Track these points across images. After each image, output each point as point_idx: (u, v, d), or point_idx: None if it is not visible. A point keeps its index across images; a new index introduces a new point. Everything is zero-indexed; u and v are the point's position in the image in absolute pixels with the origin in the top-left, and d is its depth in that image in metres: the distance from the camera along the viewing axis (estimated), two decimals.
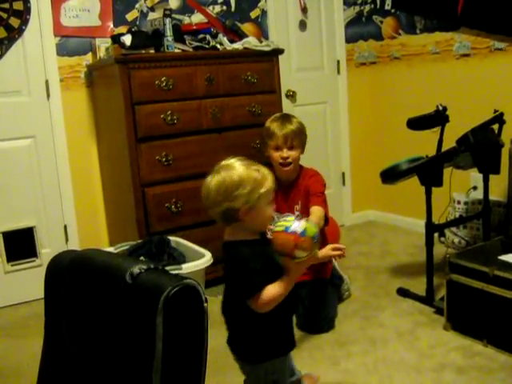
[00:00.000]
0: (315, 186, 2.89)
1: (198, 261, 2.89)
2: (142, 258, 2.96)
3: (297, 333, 2.93)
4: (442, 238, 3.98)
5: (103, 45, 3.51)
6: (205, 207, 1.87)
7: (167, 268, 2.50)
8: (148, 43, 3.34)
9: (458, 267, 2.74)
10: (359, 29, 4.70)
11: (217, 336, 2.86)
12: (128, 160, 3.25)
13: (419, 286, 3.22)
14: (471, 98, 3.87)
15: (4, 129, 3.50)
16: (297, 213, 1.90)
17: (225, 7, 4.06)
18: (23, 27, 3.45)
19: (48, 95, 3.59)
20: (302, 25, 4.49)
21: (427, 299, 3.10)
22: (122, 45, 3.25)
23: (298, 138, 2.87)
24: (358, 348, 2.73)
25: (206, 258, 2.92)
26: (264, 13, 4.26)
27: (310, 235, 1.73)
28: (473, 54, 3.91)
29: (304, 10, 4.44)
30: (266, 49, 3.63)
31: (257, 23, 4.23)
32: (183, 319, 1.12)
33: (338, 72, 4.70)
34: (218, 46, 3.56)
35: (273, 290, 1.77)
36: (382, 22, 4.54)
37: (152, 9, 3.79)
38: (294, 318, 3.00)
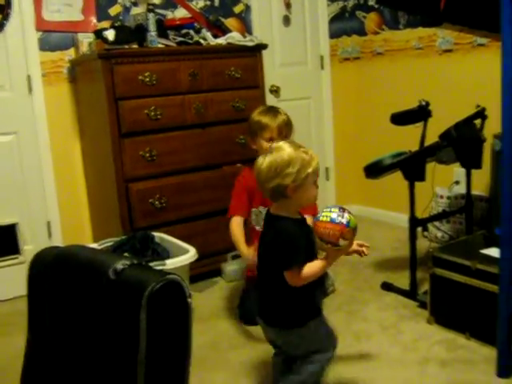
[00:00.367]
0: None
1: (182, 256, 2.89)
2: (125, 253, 2.95)
3: None
4: (426, 233, 4.01)
5: (86, 40, 3.48)
6: (257, 184, 2.07)
7: (151, 264, 2.51)
8: (131, 38, 3.32)
9: (441, 261, 2.76)
10: (343, 24, 4.71)
11: (202, 332, 2.90)
12: (111, 155, 3.23)
13: (403, 279, 3.24)
14: (454, 93, 3.90)
15: None
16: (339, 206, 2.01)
17: (208, 2, 4.05)
18: (4, 22, 3.41)
19: (30, 90, 3.55)
20: (286, 20, 4.49)
21: (411, 293, 3.12)
22: (105, 40, 3.22)
23: (289, 129, 2.94)
24: (342, 342, 2.72)
25: (191, 254, 2.92)
26: (248, 8, 4.25)
27: (353, 226, 1.93)
28: (455, 50, 3.93)
29: (288, 5, 4.44)
30: (250, 44, 3.63)
31: (240, 18, 4.23)
32: (167, 315, 1.12)
33: (322, 67, 4.71)
34: (202, 41, 3.55)
35: (311, 269, 1.98)
36: (365, 18, 4.55)
37: (135, 3, 3.77)
38: None
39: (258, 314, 2.19)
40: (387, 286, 3.28)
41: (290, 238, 1.99)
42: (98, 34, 3.30)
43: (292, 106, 4.43)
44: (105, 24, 3.59)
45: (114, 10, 3.72)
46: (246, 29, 4.21)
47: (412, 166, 3.05)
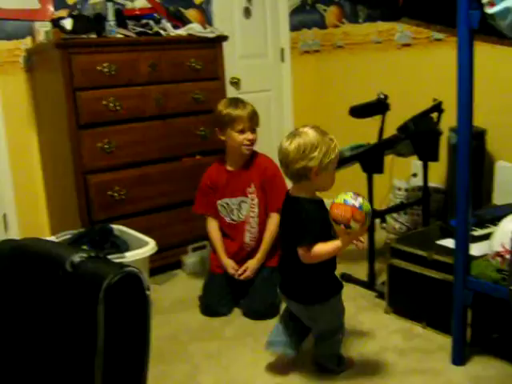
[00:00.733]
0: (278, 191, 2.92)
1: (141, 249, 2.87)
2: (84, 246, 2.92)
3: (243, 320, 2.95)
4: (384, 224, 4.07)
5: (43, 29, 3.40)
6: (280, 165, 2.22)
7: (110, 256, 2.48)
8: (89, 28, 3.26)
9: (398, 252, 2.81)
10: (303, 17, 4.73)
11: (162, 324, 2.89)
12: (69, 147, 3.18)
13: (361, 271, 3.28)
14: (412, 86, 3.96)
15: None
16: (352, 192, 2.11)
17: None
18: None
19: None
20: (247, 12, 4.48)
21: (369, 284, 3.17)
22: (63, 29, 3.16)
23: (258, 118, 3.04)
24: None
25: (150, 246, 2.91)
26: None
27: (365, 210, 2.04)
28: (413, 44, 3.99)
29: None
30: (210, 35, 3.61)
31: (201, 9, 4.20)
32: (125, 307, 1.11)
33: (282, 60, 4.73)
34: (162, 31, 3.51)
35: (322, 249, 2.12)
36: (325, 11, 4.58)
37: None
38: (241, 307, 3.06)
39: (280, 288, 2.37)
40: (346, 277, 3.32)
41: (306, 216, 2.13)
42: (56, 22, 3.23)
43: (252, 98, 4.41)
44: (62, 13, 3.52)
45: None
46: (207, 20, 4.18)
47: (370, 159, 3.09)
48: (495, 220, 2.65)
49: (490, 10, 2.02)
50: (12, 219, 3.66)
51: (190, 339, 2.77)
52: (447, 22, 3.42)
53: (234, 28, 4.37)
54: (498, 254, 2.25)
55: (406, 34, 3.99)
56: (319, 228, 2.14)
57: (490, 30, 2.10)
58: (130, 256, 2.79)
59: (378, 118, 3.14)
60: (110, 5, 3.30)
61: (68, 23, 3.17)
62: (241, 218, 3.08)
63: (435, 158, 3.23)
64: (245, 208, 3.07)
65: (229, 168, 3.10)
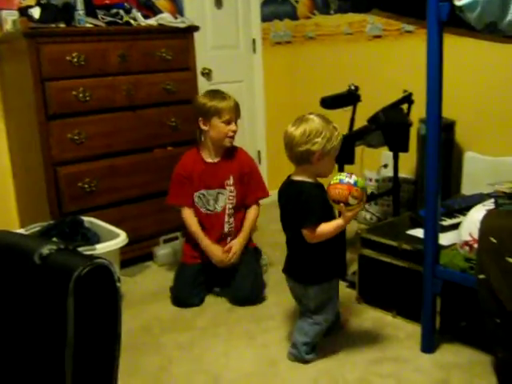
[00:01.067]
0: (257, 184, 3.17)
1: (112, 241, 2.85)
2: (54, 239, 2.88)
3: (215, 310, 2.96)
4: None
5: (10, 17, 3.33)
6: (285, 148, 2.32)
7: (80, 249, 2.46)
8: (58, 17, 3.21)
9: (368, 242, 2.84)
10: (275, 8, 4.72)
11: (134, 316, 2.88)
12: (38, 138, 3.13)
13: None
14: (382, 78, 3.99)
15: None
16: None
17: None
18: None
19: None
20: (218, 2, 4.45)
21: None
22: (30, 18, 3.10)
23: (239, 108, 3.08)
24: (274, 323, 2.79)
25: (121, 238, 2.90)
26: None
27: (360, 186, 2.17)
28: (384, 36, 4.02)
29: None
30: (181, 25, 3.58)
31: None
32: (95, 299, 1.10)
33: (254, 51, 4.72)
34: (132, 21, 3.47)
35: (326, 227, 2.24)
36: (297, 2, 4.57)
37: None
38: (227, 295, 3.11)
39: (283, 269, 2.50)
40: None
41: (308, 198, 2.24)
42: (23, 11, 3.18)
43: (224, 89, 4.41)
44: (30, 1, 3.43)
45: None
46: (178, 10, 4.15)
47: (341, 149, 3.09)
48: (463, 210, 2.69)
49: (458, 3, 2.04)
50: None
51: (162, 331, 2.77)
52: (417, 14, 3.45)
53: (205, 18, 4.34)
54: (466, 243, 2.29)
55: (377, 25, 4.02)
56: (322, 209, 2.25)
57: (459, 22, 2.13)
58: (101, 248, 2.78)
59: (348, 109, 3.17)
60: None
61: (36, 12, 3.12)
62: (217, 209, 3.08)
63: (405, 149, 3.26)
64: (222, 199, 3.08)
65: (207, 159, 3.10)
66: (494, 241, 2.10)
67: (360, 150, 3.23)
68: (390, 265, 2.73)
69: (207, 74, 4.41)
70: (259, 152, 4.82)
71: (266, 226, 4.00)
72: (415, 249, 2.59)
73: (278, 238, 3.56)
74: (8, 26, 3.35)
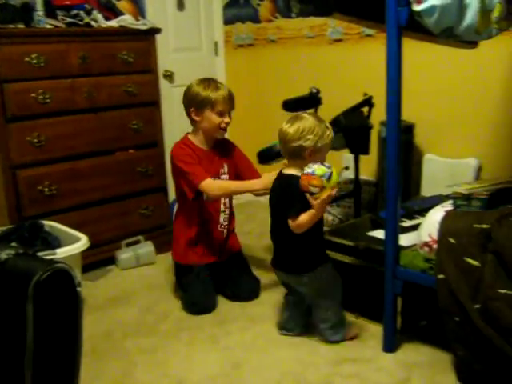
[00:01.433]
0: (249, 163, 3.12)
1: (73, 245, 2.82)
2: (12, 243, 2.83)
3: (177, 314, 2.94)
4: None
5: None
6: (280, 143, 2.47)
7: (40, 253, 2.43)
8: (17, 17, 3.15)
9: (331, 244, 2.85)
10: (237, 11, 4.73)
11: (96, 321, 2.84)
12: None
13: None
14: (343, 81, 4.03)
15: None
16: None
17: None
18: None
19: None
20: (180, 4, 4.45)
21: None
22: None
23: (234, 102, 3.00)
24: (237, 326, 2.79)
25: (82, 242, 2.86)
26: None
27: (319, 174, 2.25)
28: (345, 40, 4.06)
29: None
30: (143, 27, 3.56)
31: (133, 1, 4.13)
32: (55, 304, 1.09)
33: (216, 53, 4.72)
34: (93, 23, 3.43)
35: (303, 218, 2.34)
36: (259, 5, 4.59)
37: None
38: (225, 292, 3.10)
39: (272, 263, 2.64)
40: None
41: (294, 190, 2.34)
42: None
43: None
44: None
45: None
46: (139, 12, 4.12)
47: None
48: (423, 211, 2.73)
49: (417, 8, 2.08)
50: None
51: (125, 335, 2.74)
52: (377, 18, 3.50)
53: (167, 20, 4.33)
54: (425, 244, 2.32)
55: (338, 29, 4.06)
56: (304, 201, 2.33)
57: (417, 26, 2.17)
58: (61, 252, 2.74)
59: (310, 112, 3.18)
60: None
61: None
62: (211, 198, 2.97)
63: (366, 152, 3.30)
64: None
65: (202, 147, 2.98)
66: (453, 241, 2.15)
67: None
68: (352, 266, 2.76)
69: (169, 76, 4.39)
70: None
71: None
72: (376, 250, 2.62)
73: (241, 240, 3.57)
74: None
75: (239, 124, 4.81)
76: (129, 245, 3.57)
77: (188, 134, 3.04)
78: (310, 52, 4.27)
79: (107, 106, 3.44)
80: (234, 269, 3.11)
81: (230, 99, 2.94)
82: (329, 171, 2.28)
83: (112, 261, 3.56)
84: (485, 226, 2.10)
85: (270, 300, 3.02)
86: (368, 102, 3.23)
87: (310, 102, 3.17)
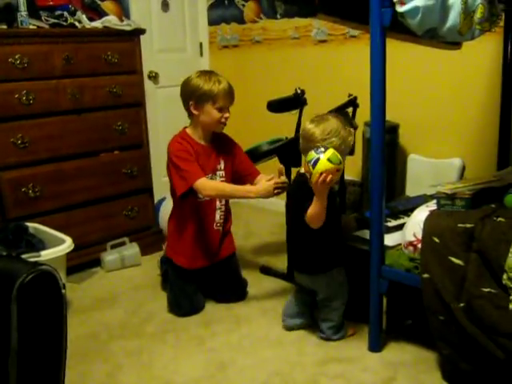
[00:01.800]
0: (247, 159, 3.09)
1: (58, 247, 2.80)
2: None
3: (163, 316, 2.93)
4: None
5: None
6: (302, 141, 2.50)
7: (25, 256, 2.41)
8: None
9: None
10: (222, 11, 4.73)
11: (81, 323, 2.83)
12: None
13: (281, 263, 3.33)
14: (328, 82, 4.05)
15: None
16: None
17: None
18: None
19: None
20: (165, 5, 4.44)
21: (288, 276, 3.21)
22: None
23: (234, 96, 2.95)
24: (222, 327, 2.79)
25: (67, 244, 2.85)
26: None
27: (307, 159, 2.28)
28: (330, 40, 4.08)
29: None
30: (127, 28, 3.55)
31: (117, 2, 4.12)
32: (39, 306, 1.09)
33: (201, 54, 4.72)
34: (77, 23, 3.42)
35: (310, 209, 2.34)
36: (244, 6, 4.59)
37: None
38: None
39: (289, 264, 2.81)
40: (266, 270, 3.36)
41: (306, 186, 2.35)
42: None
43: (171, 93, 4.39)
44: None
45: None
46: (124, 12, 4.10)
47: (288, 152, 3.13)
48: (408, 211, 2.75)
49: (400, 9, 2.09)
50: None
51: (110, 337, 2.73)
52: (361, 19, 3.52)
53: (151, 21, 4.32)
54: (410, 243, 2.34)
55: (323, 30, 4.07)
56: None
57: (401, 27, 2.18)
58: (46, 255, 2.72)
59: (295, 113, 3.19)
60: None
61: None
62: (203, 199, 2.91)
63: (351, 152, 3.30)
64: None
65: (200, 142, 2.92)
66: (437, 240, 2.16)
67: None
68: None
69: (154, 77, 4.38)
70: None
71: None
72: (361, 250, 2.63)
73: None
74: None
75: None
76: (114, 246, 3.55)
77: (186, 127, 2.96)
78: (295, 53, 4.28)
79: (92, 107, 3.42)
80: (226, 273, 3.07)
81: (230, 93, 2.89)
82: (316, 156, 2.24)
83: (97, 263, 3.54)
84: (468, 225, 2.12)
85: (256, 301, 3.03)
86: (353, 102, 3.23)
87: (294, 102, 3.17)
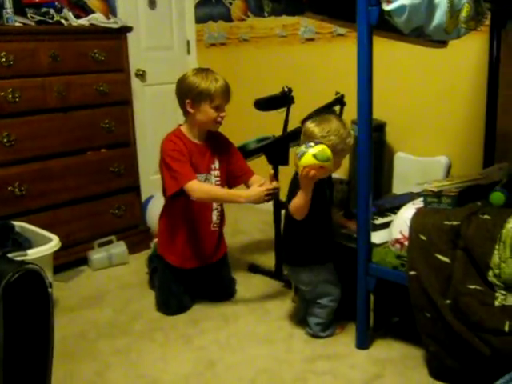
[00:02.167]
0: (241, 157, 3.06)
1: (44, 246, 2.79)
2: None
3: (151, 315, 2.93)
4: None
5: None
6: (303, 138, 2.50)
7: (11, 255, 2.39)
8: None
9: None
10: (209, 9, 4.72)
11: (69, 322, 2.82)
12: None
13: (269, 261, 3.34)
14: (315, 80, 4.05)
15: None
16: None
17: None
18: None
19: None
20: (152, 3, 4.42)
21: (276, 274, 3.22)
22: None
23: (230, 95, 2.91)
24: (210, 324, 2.79)
25: (54, 243, 2.83)
26: None
27: (296, 152, 2.30)
28: (317, 39, 4.08)
29: None
30: (114, 26, 3.53)
31: None
32: (26, 305, 1.08)
33: (188, 52, 4.71)
34: (63, 21, 3.39)
35: (294, 200, 2.40)
36: (231, 4, 4.59)
37: None
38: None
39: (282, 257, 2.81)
40: (254, 268, 3.36)
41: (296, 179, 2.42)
42: None
43: (158, 91, 4.41)
44: None
45: None
46: (110, 10, 4.09)
47: (276, 151, 3.14)
48: (394, 209, 2.75)
49: (387, 7, 2.10)
50: None
51: (98, 336, 2.72)
52: (349, 18, 3.53)
53: (138, 19, 4.31)
54: (397, 241, 2.35)
55: (310, 28, 4.08)
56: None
57: (388, 26, 2.19)
58: (33, 253, 2.70)
59: (282, 111, 3.19)
60: None
61: None
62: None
63: None
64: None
65: (195, 140, 2.88)
66: (424, 238, 2.18)
67: (294, 151, 3.26)
68: None
69: (141, 75, 4.37)
70: None
71: None
72: (348, 247, 2.64)
73: None
74: None
75: None
76: (101, 245, 3.54)
77: (180, 125, 2.92)
78: (283, 51, 4.29)
79: (78, 105, 3.41)
80: (218, 273, 3.05)
81: (227, 92, 2.84)
82: (303, 150, 2.26)
83: (84, 261, 3.53)
84: (454, 222, 2.13)
85: (244, 299, 3.03)
86: (340, 100, 3.24)
87: (282, 101, 3.17)
